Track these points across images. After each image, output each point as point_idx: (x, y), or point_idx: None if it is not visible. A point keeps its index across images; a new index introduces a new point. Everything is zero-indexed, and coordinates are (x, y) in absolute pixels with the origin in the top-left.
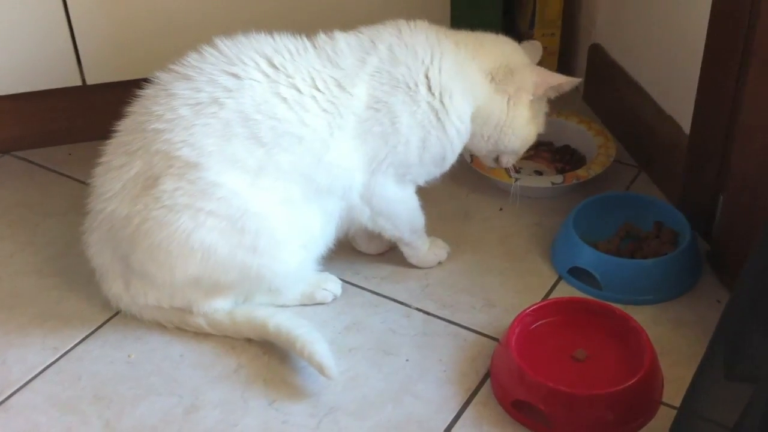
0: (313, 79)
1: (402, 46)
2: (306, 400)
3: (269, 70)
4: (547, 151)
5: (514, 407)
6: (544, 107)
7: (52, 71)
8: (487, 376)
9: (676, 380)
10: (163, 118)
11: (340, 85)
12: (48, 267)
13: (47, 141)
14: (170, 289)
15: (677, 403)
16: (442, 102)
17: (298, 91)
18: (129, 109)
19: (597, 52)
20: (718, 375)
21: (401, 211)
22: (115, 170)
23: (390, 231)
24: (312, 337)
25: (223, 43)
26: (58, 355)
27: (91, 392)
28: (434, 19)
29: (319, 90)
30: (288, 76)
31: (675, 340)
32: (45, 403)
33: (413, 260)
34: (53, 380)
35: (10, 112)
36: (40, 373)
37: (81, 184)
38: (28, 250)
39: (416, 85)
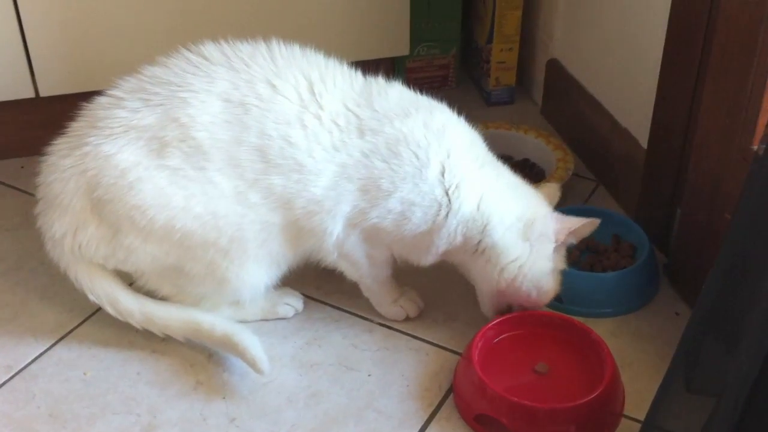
0: (338, 114)
1: (458, 134)
2: (267, 417)
3: (305, 95)
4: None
5: (477, 422)
6: (563, 255)
7: (4, 83)
8: (450, 390)
9: (636, 392)
10: (196, 95)
11: (360, 128)
12: (0, 283)
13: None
14: (128, 253)
15: (639, 415)
16: (460, 205)
17: (321, 122)
18: (164, 59)
19: (554, 66)
20: (680, 388)
21: (365, 264)
22: (124, 111)
23: (351, 274)
24: (246, 333)
25: (278, 49)
26: (11, 374)
27: (45, 411)
28: (393, 33)
29: (338, 126)
30: (319, 107)
31: (635, 353)
32: None
33: (377, 308)
34: (6, 399)
35: None
36: None
37: (33, 197)
38: None
39: (446, 174)
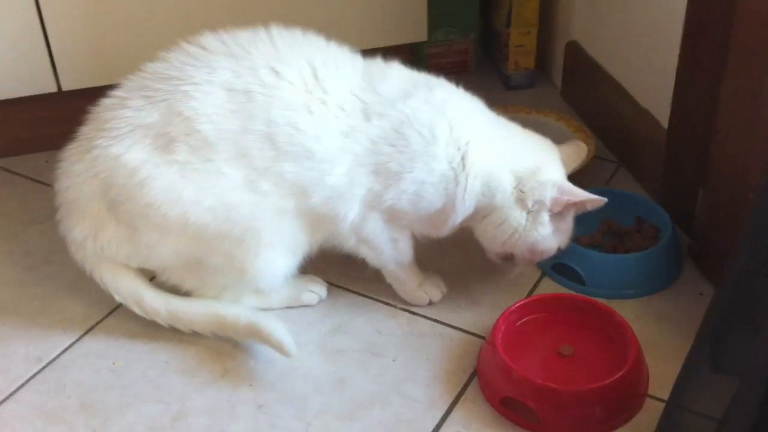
0: (344, 99)
1: (458, 106)
2: (294, 403)
3: (310, 80)
4: None
5: (503, 404)
6: (569, 220)
7: (27, 78)
8: (474, 374)
9: (661, 373)
10: (198, 87)
11: (366, 112)
12: (29, 276)
13: (24, 149)
14: (149, 250)
15: (663, 395)
16: (467, 177)
17: (327, 107)
18: (164, 54)
19: (574, 49)
20: (704, 368)
21: (387, 246)
22: (129, 110)
23: (373, 260)
24: (270, 320)
25: (279, 34)
26: (42, 365)
27: (76, 401)
28: (411, 19)
29: (345, 112)
30: (324, 91)
31: (659, 334)
32: (30, 413)
33: (400, 294)
34: (38, 390)
35: None
36: (25, 383)
37: None
38: (9, 259)
39: (449, 148)
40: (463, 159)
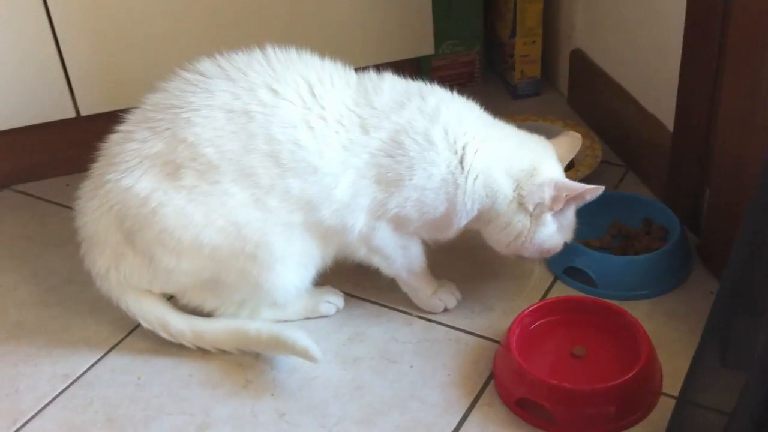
0: (341, 115)
1: (451, 111)
2: (315, 411)
3: (307, 97)
4: None
5: (519, 406)
6: (570, 214)
7: (45, 105)
8: (490, 377)
9: (674, 371)
10: (198, 113)
11: (363, 126)
12: (52, 296)
13: (44, 173)
14: (167, 274)
15: (677, 393)
16: (466, 179)
17: (326, 122)
18: (163, 84)
19: (578, 56)
20: (713, 363)
21: (398, 254)
22: (135, 143)
23: (385, 269)
24: (291, 329)
25: (274, 54)
26: (68, 382)
27: (103, 416)
28: (416, 30)
29: (343, 126)
30: (322, 107)
31: (670, 333)
32: (59, 429)
33: (415, 301)
34: (66, 407)
35: (5, 147)
36: (53, 400)
37: None
38: (32, 281)
39: (445, 152)
40: (461, 162)
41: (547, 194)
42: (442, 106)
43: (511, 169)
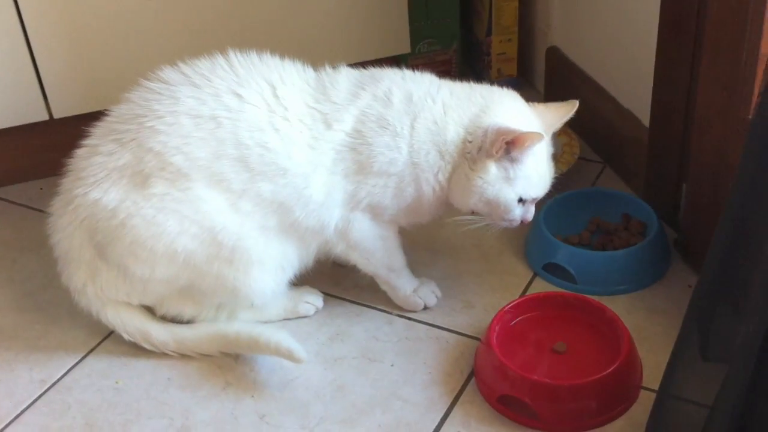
0: (303, 114)
1: (400, 89)
2: (296, 411)
3: (271, 100)
4: None
5: (501, 402)
6: (526, 166)
7: (19, 108)
8: (471, 375)
9: (655, 365)
10: (163, 120)
11: (326, 122)
12: (28, 302)
13: (18, 177)
14: (143, 285)
15: (657, 387)
16: (419, 155)
17: (290, 123)
18: (126, 95)
19: (554, 54)
20: (693, 356)
21: (377, 248)
22: (101, 156)
23: (364, 266)
24: (272, 331)
25: (237, 59)
26: (46, 387)
27: (81, 421)
28: (394, 32)
29: (306, 125)
30: (285, 108)
31: (650, 327)
32: None
33: (395, 300)
34: (43, 412)
35: None
36: (30, 405)
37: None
38: (8, 286)
39: (403, 131)
40: (414, 140)
41: (489, 139)
42: (393, 88)
43: (461, 118)
